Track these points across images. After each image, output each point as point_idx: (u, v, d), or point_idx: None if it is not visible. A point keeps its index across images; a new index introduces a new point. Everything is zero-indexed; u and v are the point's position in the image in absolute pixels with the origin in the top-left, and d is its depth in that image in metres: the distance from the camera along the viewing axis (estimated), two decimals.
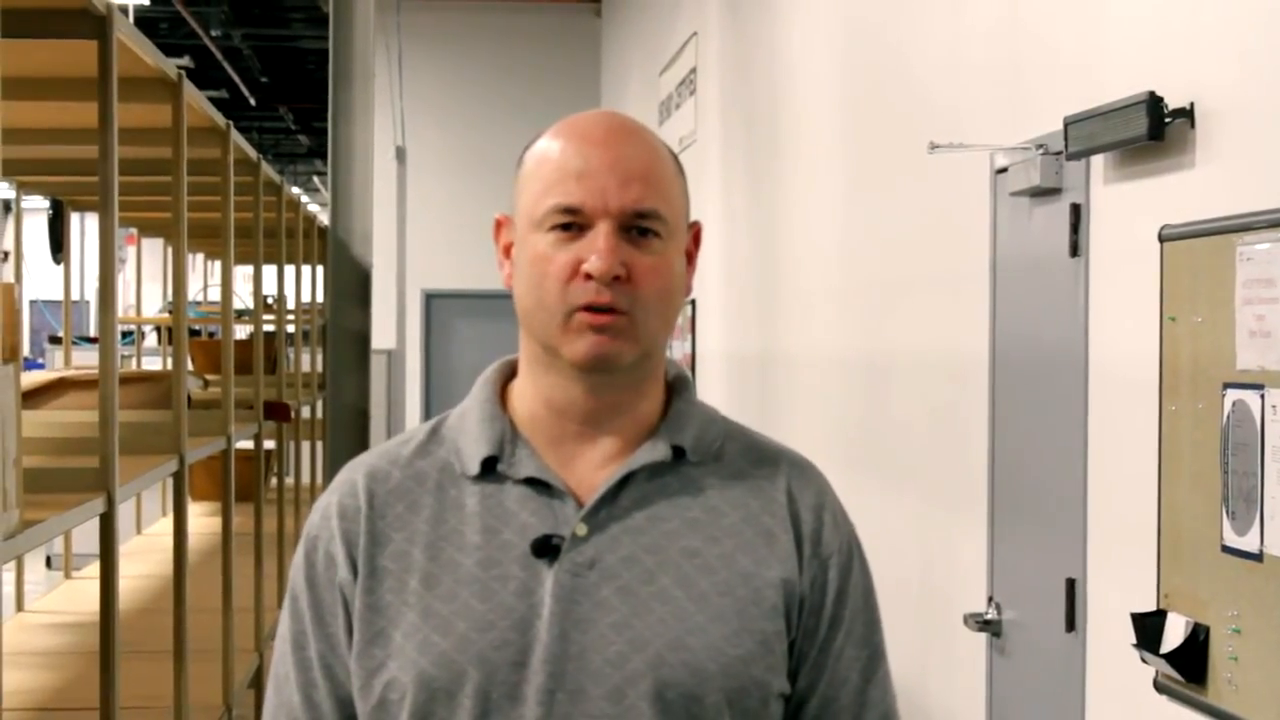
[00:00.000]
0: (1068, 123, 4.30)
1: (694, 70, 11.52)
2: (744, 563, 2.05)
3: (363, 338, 8.66)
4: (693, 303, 10.89)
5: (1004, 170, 4.95)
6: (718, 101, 10.65)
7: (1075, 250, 4.47)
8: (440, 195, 18.11)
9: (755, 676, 2.02)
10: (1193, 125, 3.84)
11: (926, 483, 5.95)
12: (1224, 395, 3.62)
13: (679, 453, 2.09)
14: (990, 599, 5.12)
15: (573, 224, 2.01)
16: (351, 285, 8.66)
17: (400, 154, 18.03)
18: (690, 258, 2.13)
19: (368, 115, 8.57)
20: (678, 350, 11.28)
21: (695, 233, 2.15)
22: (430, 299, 18.55)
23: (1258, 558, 3.48)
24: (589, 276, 1.99)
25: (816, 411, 7.72)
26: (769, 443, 2.20)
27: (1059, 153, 4.48)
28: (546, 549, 2.02)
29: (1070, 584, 4.48)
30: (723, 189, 10.25)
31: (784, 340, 8.46)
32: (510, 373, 2.17)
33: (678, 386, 2.16)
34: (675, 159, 2.13)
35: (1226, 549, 3.61)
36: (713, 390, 10.20)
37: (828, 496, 2.16)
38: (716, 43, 10.74)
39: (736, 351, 9.78)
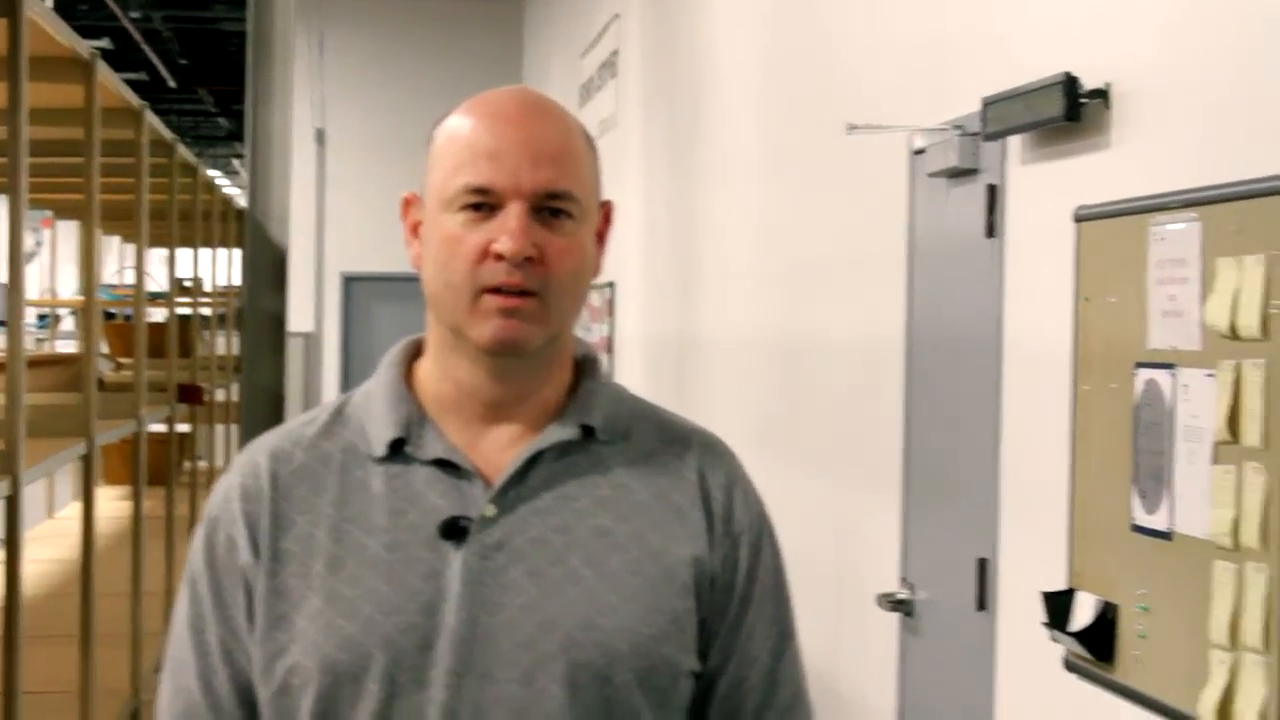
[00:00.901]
0: (985, 103, 4.30)
1: (615, 53, 11.50)
2: (654, 541, 2.03)
3: (278, 320, 8.61)
4: (612, 285, 10.86)
5: (922, 151, 4.96)
6: (639, 84, 10.63)
7: (991, 231, 4.47)
8: (361, 178, 18.00)
9: (666, 655, 2.01)
10: (1108, 106, 3.84)
11: (842, 463, 5.95)
12: (1136, 375, 3.62)
13: (588, 432, 2.07)
14: (903, 579, 5.12)
15: (483, 204, 1.98)
16: (268, 268, 8.61)
17: (320, 136, 17.93)
18: (601, 238, 2.10)
19: (287, 97, 8.51)
20: (597, 333, 11.25)
21: (606, 212, 2.11)
22: (349, 282, 18.44)
23: (1167, 536, 3.48)
24: (499, 257, 1.96)
25: (735, 393, 7.71)
26: (679, 422, 2.18)
27: (976, 133, 4.48)
28: (454, 531, 1.99)
29: (982, 563, 4.49)
30: (643, 172, 10.23)
31: (703, 322, 8.45)
32: (416, 353, 2.13)
33: (586, 366, 2.14)
34: (587, 137, 2.10)
35: (1136, 528, 3.61)
36: (632, 372, 10.18)
37: (738, 475, 2.15)
38: (638, 25, 10.72)
39: (656, 334, 9.76)
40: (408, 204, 2.10)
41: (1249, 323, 3.17)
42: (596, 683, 1.96)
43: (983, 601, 4.48)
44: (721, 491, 2.10)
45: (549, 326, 2.00)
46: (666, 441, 2.12)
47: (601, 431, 2.08)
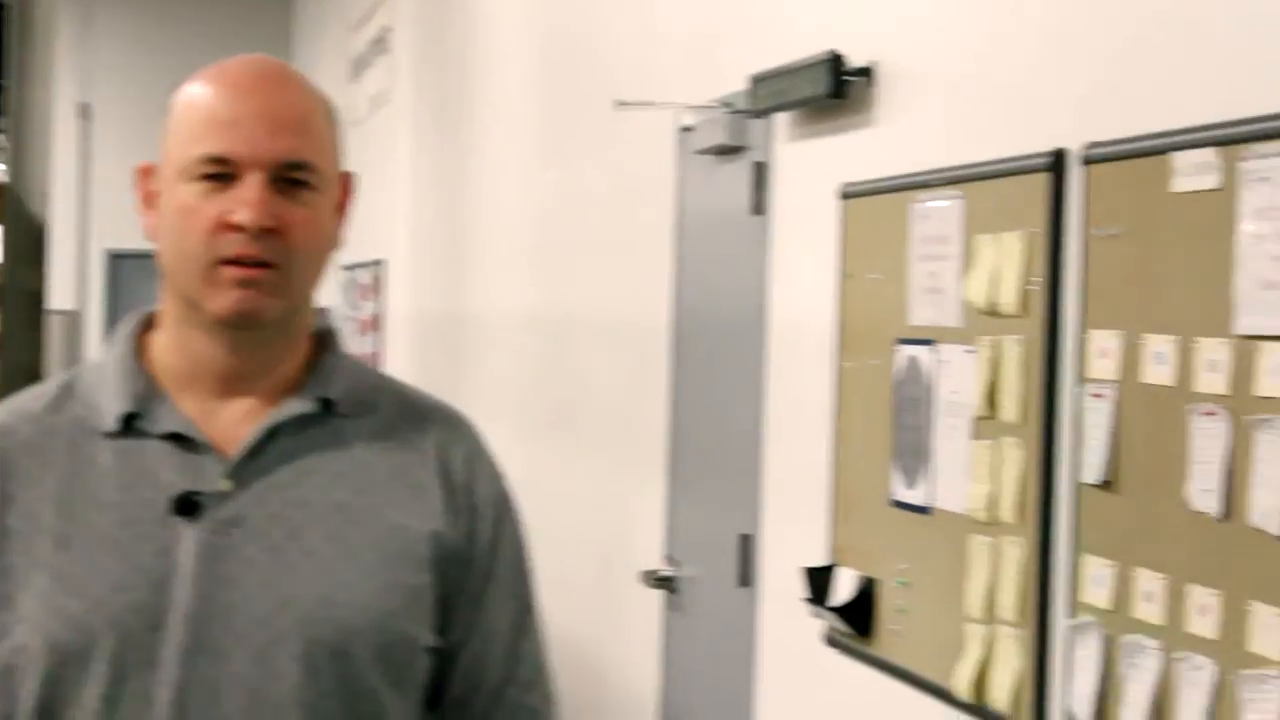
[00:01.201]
0: (753, 81, 4.31)
1: (387, 29, 11.37)
2: (394, 516, 1.99)
3: (36, 297, 8.40)
4: (382, 262, 10.76)
5: (690, 129, 4.95)
6: (410, 60, 10.52)
7: (758, 208, 4.48)
8: (129, 154, 17.52)
9: (404, 631, 1.97)
10: (873, 85, 3.87)
11: (609, 442, 5.94)
12: (897, 351, 3.65)
13: (327, 405, 2.01)
14: (667, 556, 5.13)
15: (221, 174, 1.91)
16: (27, 244, 8.40)
17: (86, 111, 17.52)
18: (342, 209, 2.05)
19: (49, 72, 8.31)
20: (367, 310, 11.14)
21: (346, 183, 2.06)
22: (116, 259, 18.05)
23: (926, 511, 3.52)
24: (237, 228, 1.90)
25: (505, 371, 7.67)
26: (421, 396, 2.15)
27: (744, 111, 4.49)
28: (187, 507, 1.92)
29: (745, 540, 4.50)
30: (415, 149, 10.13)
31: (473, 300, 8.39)
32: (150, 325, 2.06)
33: (326, 339, 2.08)
34: (329, 107, 2.04)
35: (896, 503, 3.64)
36: (401, 351, 10.10)
37: (480, 450, 2.11)
38: (410, 1, 10.62)
39: (426, 311, 9.68)
40: (144, 174, 2.02)
41: (1008, 299, 3.20)
42: (333, 660, 1.92)
43: (745, 578, 4.50)
44: (462, 466, 2.06)
45: (288, 298, 1.95)
46: (407, 416, 2.08)
47: (341, 405, 2.02)
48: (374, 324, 10.90)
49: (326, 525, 1.96)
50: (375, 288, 10.88)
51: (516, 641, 2.10)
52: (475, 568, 2.05)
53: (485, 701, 2.08)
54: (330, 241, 2.02)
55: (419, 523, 2.00)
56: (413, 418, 2.08)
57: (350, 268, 11.65)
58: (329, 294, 13.02)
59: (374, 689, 1.95)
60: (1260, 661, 2.46)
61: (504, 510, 2.10)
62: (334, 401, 2.02)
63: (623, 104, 5.11)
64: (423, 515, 2.01)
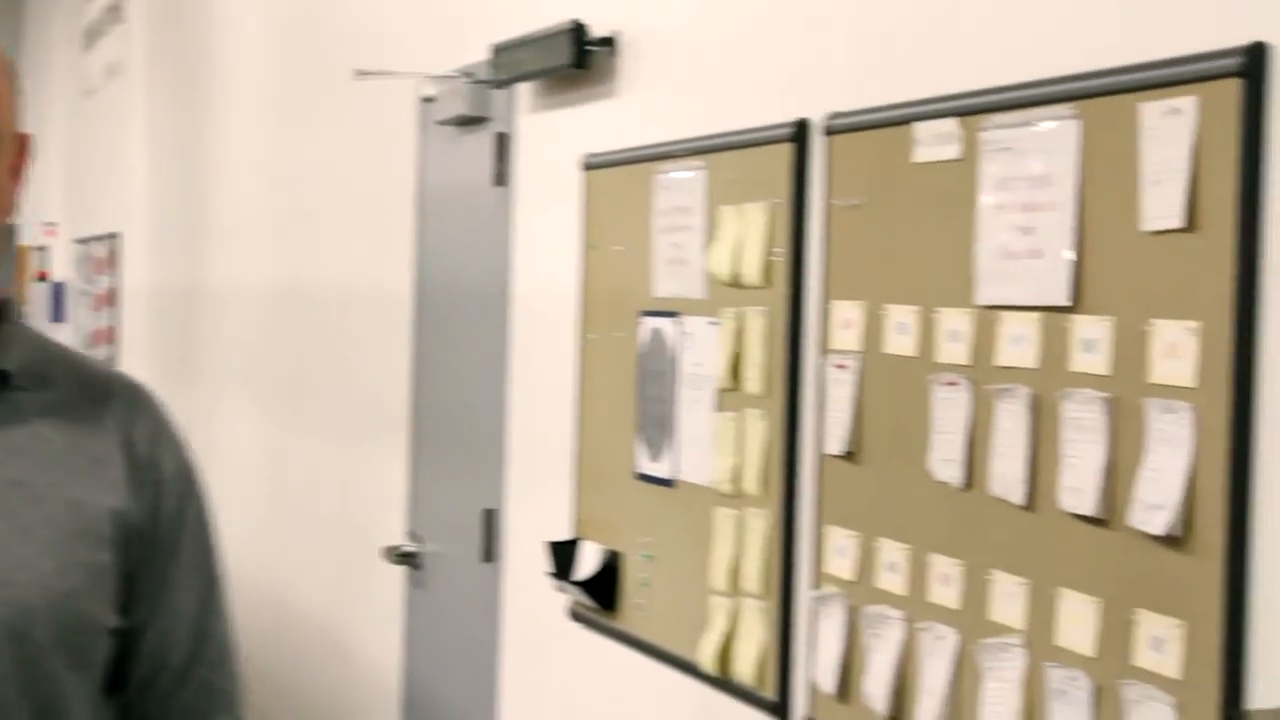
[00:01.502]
0: (495, 50, 4.25)
1: None
2: (74, 492, 1.90)
3: None
4: (118, 235, 10.50)
5: (432, 99, 4.88)
6: (146, 29, 10.27)
7: (500, 179, 4.43)
8: None
9: (85, 611, 1.89)
10: (615, 55, 3.84)
11: (351, 416, 5.86)
12: (641, 324, 3.63)
13: (3, 378, 1.91)
14: (410, 532, 5.06)
15: None
16: None
17: None
18: (16, 172, 1.95)
19: None
20: (102, 284, 10.87)
21: (23, 145, 1.96)
22: None
23: (670, 484, 3.50)
24: None
25: (245, 345, 7.52)
26: (104, 369, 2.08)
27: (486, 81, 4.43)
28: None
29: (489, 515, 4.45)
30: (151, 119, 9.90)
31: (213, 273, 8.22)
32: None
33: (2, 309, 1.98)
34: (7, 66, 1.95)
35: (641, 476, 3.62)
36: (139, 325, 9.87)
37: (163, 424, 2.04)
38: None
39: (165, 285, 9.46)
40: None
41: (751, 271, 3.19)
42: (12, 642, 1.82)
43: (489, 553, 4.45)
44: (145, 440, 1.98)
45: None
46: (89, 390, 1.99)
47: (18, 377, 1.92)
48: (109, 299, 10.63)
49: (2, 503, 1.87)
50: (111, 261, 10.60)
51: (203, 619, 2.04)
52: (160, 545, 1.98)
53: (171, 681, 2.02)
54: (5, 206, 1.93)
55: (100, 499, 1.92)
56: (94, 391, 2.00)
57: (84, 241, 11.36)
58: (62, 268, 12.69)
59: (53, 672, 1.86)
60: (1001, 630, 2.48)
61: (189, 485, 2.03)
62: (9, 374, 1.92)
63: (363, 74, 5.03)
64: (104, 491, 1.93)
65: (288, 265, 6.74)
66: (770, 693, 3.13)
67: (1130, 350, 2.23)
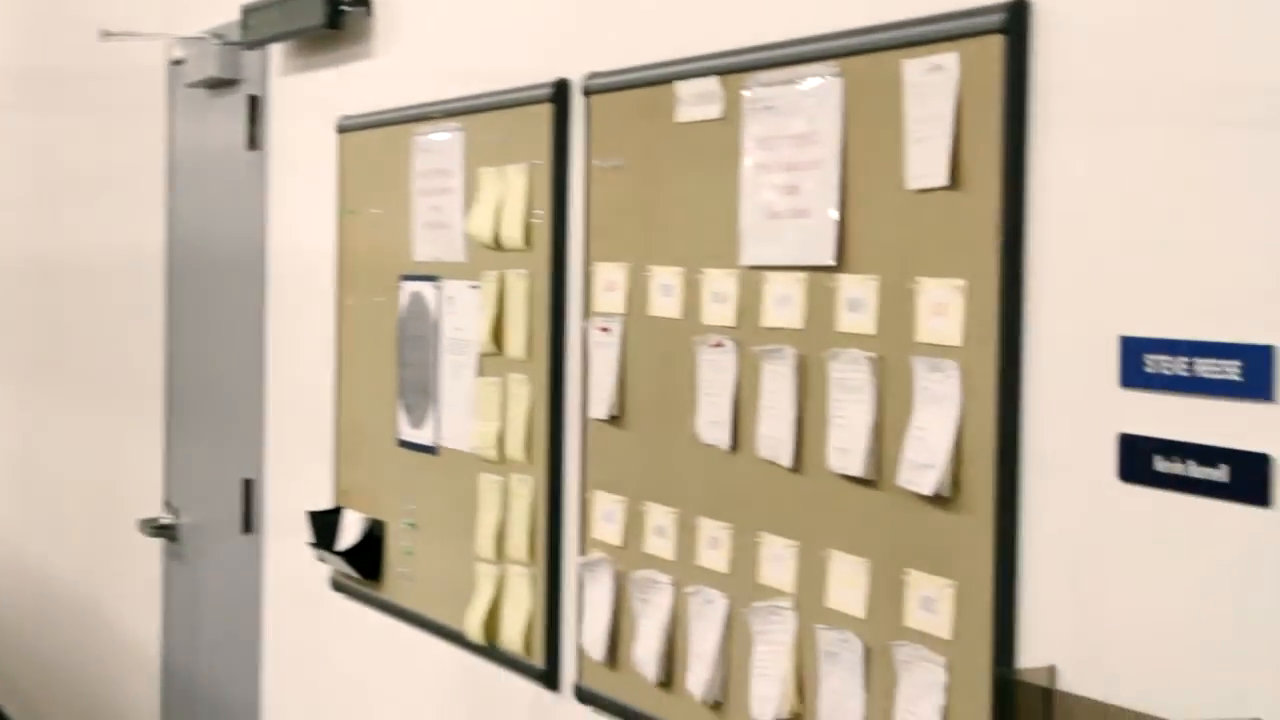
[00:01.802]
0: (245, 11, 4.15)
1: None
2: None
3: None
4: None
5: (181, 62, 4.75)
6: None
7: (254, 143, 4.33)
8: None
9: None
10: (371, 16, 3.76)
11: (102, 386, 5.71)
12: (401, 288, 3.56)
13: None
14: (166, 503, 4.95)
15: None
16: None
17: None
18: None
19: None
20: None
21: None
22: None
23: (433, 451, 3.45)
24: None
25: None
26: None
27: (237, 43, 4.32)
28: None
29: (248, 485, 4.37)
30: None
31: None
32: None
33: None
34: None
35: (403, 443, 3.56)
36: None
37: None
38: None
39: None
40: None
41: (511, 233, 3.14)
42: None
43: (249, 524, 4.37)
44: None
45: None
46: None
47: None
48: None
49: None
50: None
51: None
52: None
53: None
54: None
55: None
56: None
57: None
58: None
59: None
60: (770, 593, 2.47)
61: None
62: None
63: (109, 34, 4.88)
64: None
65: (30, 235, 6.55)
66: (538, 661, 3.09)
67: (897, 309, 2.22)
